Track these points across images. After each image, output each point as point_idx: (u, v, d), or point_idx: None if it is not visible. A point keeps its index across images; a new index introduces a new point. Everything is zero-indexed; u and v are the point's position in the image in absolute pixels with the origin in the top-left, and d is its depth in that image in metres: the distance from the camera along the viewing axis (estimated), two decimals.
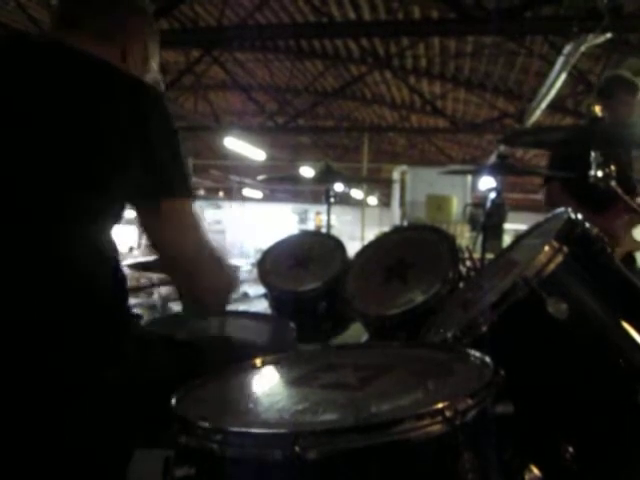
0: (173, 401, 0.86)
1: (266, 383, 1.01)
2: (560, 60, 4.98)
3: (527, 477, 0.85)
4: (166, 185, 0.99)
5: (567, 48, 4.69)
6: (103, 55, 1.03)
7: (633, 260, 2.37)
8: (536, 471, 0.85)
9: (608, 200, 2.08)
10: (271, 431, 0.77)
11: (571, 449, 0.98)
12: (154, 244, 1.03)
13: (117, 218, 1.02)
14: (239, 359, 1.05)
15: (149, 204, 0.99)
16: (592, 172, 1.62)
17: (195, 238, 1.03)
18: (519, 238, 1.44)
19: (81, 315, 0.95)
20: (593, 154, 1.61)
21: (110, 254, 1.02)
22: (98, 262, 0.98)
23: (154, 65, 1.17)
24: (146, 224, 1.01)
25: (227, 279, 1.10)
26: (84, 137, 0.94)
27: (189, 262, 1.03)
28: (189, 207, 1.02)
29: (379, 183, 14.25)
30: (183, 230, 1.02)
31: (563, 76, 5.14)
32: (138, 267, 1.56)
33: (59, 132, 0.93)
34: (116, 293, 1.02)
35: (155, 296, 6.93)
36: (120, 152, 0.95)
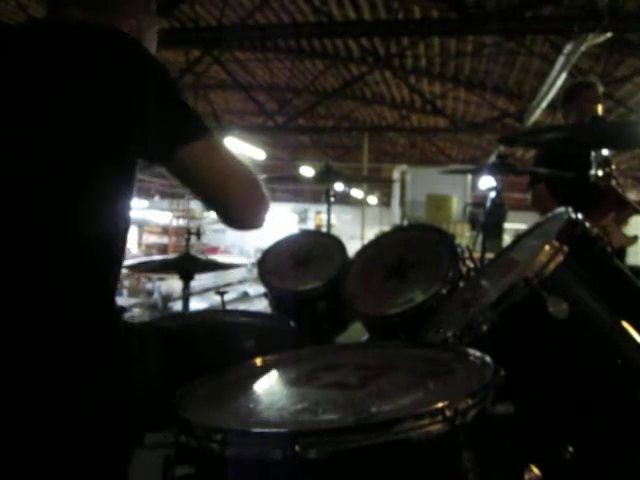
0: (173, 401, 0.86)
1: (266, 382, 1.01)
2: (560, 60, 4.97)
3: (527, 477, 0.85)
4: (182, 133, 1.00)
5: (567, 47, 4.69)
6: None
7: (624, 255, 2.39)
8: (536, 471, 0.85)
9: (596, 199, 2.09)
10: (271, 430, 0.77)
11: (571, 449, 0.98)
12: (198, 191, 1.06)
13: (130, 186, 1.02)
14: (235, 346, 1.05)
15: (172, 157, 1.00)
16: (592, 171, 1.62)
17: (231, 169, 1.06)
18: (519, 238, 1.44)
19: (76, 306, 0.94)
20: (593, 154, 1.61)
21: (120, 230, 1.01)
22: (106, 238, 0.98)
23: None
24: (180, 177, 1.03)
25: (263, 196, 1.12)
26: (87, 108, 0.94)
27: (230, 191, 1.06)
28: (212, 143, 1.04)
29: (379, 183, 14.23)
30: (217, 167, 1.04)
31: (563, 75, 5.13)
32: (137, 268, 1.55)
33: (64, 109, 0.93)
34: (112, 280, 1.02)
35: (155, 296, 6.91)
36: (127, 116, 0.96)
